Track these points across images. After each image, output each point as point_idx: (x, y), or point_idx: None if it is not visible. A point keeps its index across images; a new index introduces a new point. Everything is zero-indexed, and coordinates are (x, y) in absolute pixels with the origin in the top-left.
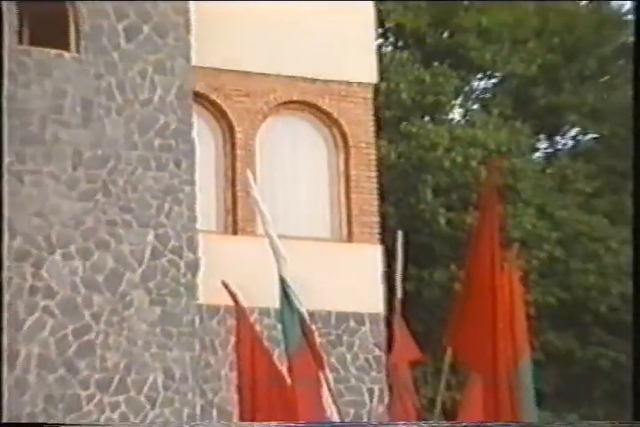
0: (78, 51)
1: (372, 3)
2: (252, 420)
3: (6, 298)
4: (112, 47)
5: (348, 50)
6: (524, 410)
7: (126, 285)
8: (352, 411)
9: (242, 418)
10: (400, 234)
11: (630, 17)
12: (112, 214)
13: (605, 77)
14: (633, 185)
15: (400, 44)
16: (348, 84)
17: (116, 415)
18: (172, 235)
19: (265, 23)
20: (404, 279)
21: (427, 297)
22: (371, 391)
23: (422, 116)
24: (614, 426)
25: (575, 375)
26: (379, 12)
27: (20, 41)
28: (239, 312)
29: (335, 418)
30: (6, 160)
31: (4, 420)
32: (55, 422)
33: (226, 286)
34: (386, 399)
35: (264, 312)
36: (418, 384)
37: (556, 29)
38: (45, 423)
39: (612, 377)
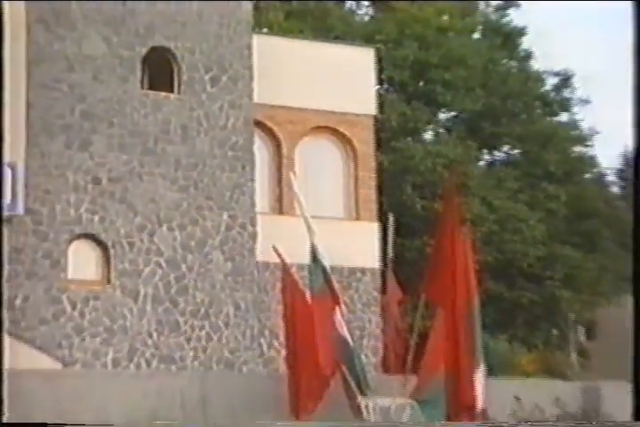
0: (179, 93)
1: (373, 63)
2: (294, 334)
3: (129, 256)
4: (201, 90)
5: (358, 92)
6: (474, 333)
7: (209, 248)
8: (357, 333)
9: (287, 333)
10: (391, 216)
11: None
12: (200, 201)
13: (526, 115)
14: (633, 194)
15: (391, 89)
16: (357, 115)
17: (202, 333)
18: (239, 215)
19: (301, 73)
20: (393, 245)
21: (408, 257)
22: (370, 320)
23: (405, 137)
24: (614, 426)
25: (504, 310)
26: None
27: (142, 86)
28: (284, 267)
29: (346, 334)
30: (131, 165)
31: (4, 420)
32: (56, 422)
33: (275, 249)
34: (380, 325)
35: (300, 267)
36: (402, 315)
37: (495, 82)
38: (46, 423)
39: (529, 311)
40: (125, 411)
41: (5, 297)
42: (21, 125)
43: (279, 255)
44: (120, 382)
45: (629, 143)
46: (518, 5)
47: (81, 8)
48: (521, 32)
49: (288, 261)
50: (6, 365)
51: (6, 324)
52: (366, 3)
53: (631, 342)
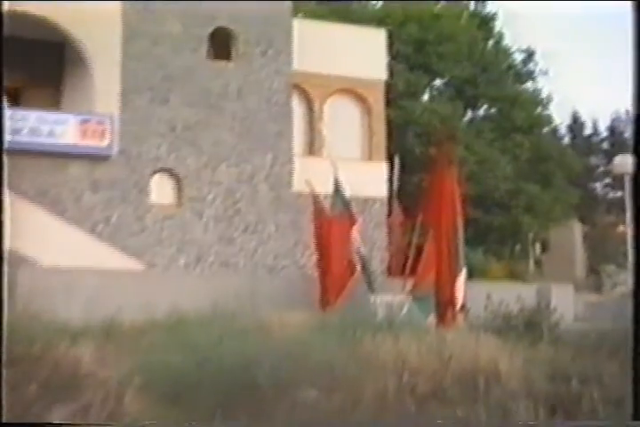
0: (236, 62)
1: (384, 41)
2: (321, 247)
3: (196, 186)
4: (253, 60)
5: (372, 63)
6: (457, 247)
7: (256, 180)
8: (369, 246)
9: (316, 246)
10: (396, 157)
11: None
12: (250, 145)
13: (500, 82)
14: (632, 186)
15: (397, 60)
16: (372, 80)
17: (251, 245)
18: (280, 155)
19: (329, 48)
20: (397, 180)
21: (408, 190)
22: (378, 237)
23: (408, 98)
24: (613, 425)
25: (480, 230)
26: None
27: (208, 57)
28: (314, 196)
29: (361, 247)
30: (199, 116)
31: (4, 420)
32: (56, 422)
33: (308, 182)
34: (386, 241)
35: (326, 196)
36: (403, 234)
37: (476, 55)
38: (46, 423)
39: (499, 230)
40: (193, 302)
41: (99, 217)
42: (117, 86)
43: (310, 187)
44: (189, 281)
45: (577, 106)
46: None
47: None
48: (494, 17)
49: (317, 191)
50: (105, 266)
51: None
52: None
53: (631, 342)
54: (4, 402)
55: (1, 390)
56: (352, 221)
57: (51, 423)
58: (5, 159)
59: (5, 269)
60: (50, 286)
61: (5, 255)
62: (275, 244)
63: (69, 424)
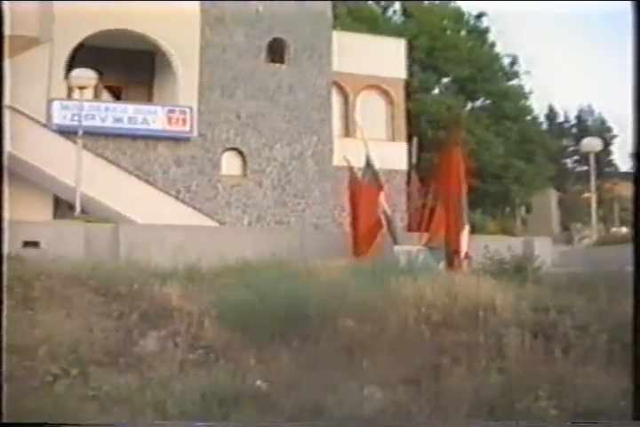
0: (288, 64)
1: (403, 48)
2: (354, 208)
3: (257, 161)
4: (300, 63)
5: (395, 65)
6: (462, 208)
7: (304, 156)
8: (392, 208)
9: (350, 208)
10: (415, 139)
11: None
12: (299, 128)
13: (493, 79)
14: (633, 187)
15: (413, 63)
16: (394, 78)
17: (300, 207)
18: (323, 137)
19: (360, 53)
20: (415, 156)
21: (423, 164)
22: (400, 200)
23: (422, 92)
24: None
25: (479, 195)
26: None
27: (266, 61)
28: (350, 168)
29: (386, 208)
30: (259, 107)
31: (5, 420)
32: (56, 422)
33: (345, 158)
34: (406, 203)
35: (359, 169)
36: (419, 198)
37: (474, 59)
38: (46, 423)
39: (493, 196)
40: (255, 252)
41: (182, 186)
42: (195, 84)
43: (347, 162)
44: (252, 236)
45: (553, 100)
46: (486, 14)
47: (231, 14)
48: (487, 29)
49: (352, 165)
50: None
51: (187, 201)
52: (398, 8)
53: (631, 343)
54: None
55: (1, 390)
56: (380, 189)
57: (51, 424)
58: (108, 142)
59: (5, 268)
60: (144, 240)
61: (5, 254)
62: (318, 207)
63: (69, 424)
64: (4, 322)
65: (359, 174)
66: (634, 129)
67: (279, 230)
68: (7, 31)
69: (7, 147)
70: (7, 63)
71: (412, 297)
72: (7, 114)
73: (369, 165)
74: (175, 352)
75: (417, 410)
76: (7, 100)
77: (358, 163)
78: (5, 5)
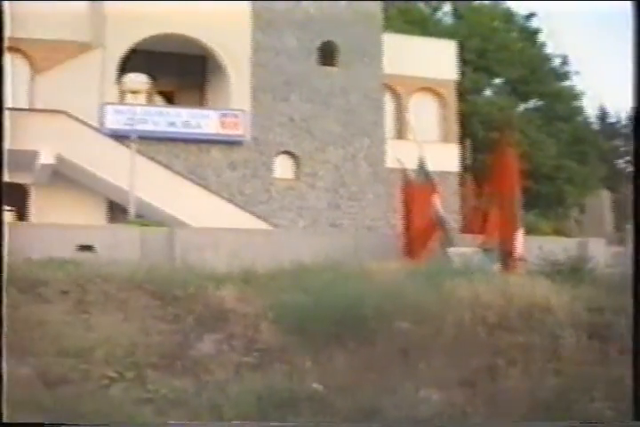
0: (340, 67)
1: (454, 50)
2: (408, 210)
3: (310, 164)
4: (352, 66)
5: (446, 66)
6: (516, 209)
7: (358, 158)
8: (447, 209)
9: (404, 210)
10: (468, 140)
11: None
12: (352, 131)
13: (544, 81)
14: (633, 184)
15: (465, 64)
16: (446, 80)
17: (354, 210)
18: (376, 139)
19: (412, 55)
20: (469, 158)
21: (477, 165)
22: (453, 202)
23: (473, 93)
24: (613, 426)
25: (533, 196)
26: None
27: (318, 63)
28: (403, 170)
29: (440, 210)
30: (312, 110)
31: (5, 420)
32: (56, 422)
33: (398, 160)
34: (459, 205)
35: (412, 171)
36: (473, 199)
37: (525, 60)
38: (46, 423)
39: (547, 197)
40: (310, 254)
41: (236, 189)
42: (247, 88)
43: (400, 163)
44: (306, 238)
45: (605, 101)
46: (536, 14)
47: (282, 17)
48: (538, 30)
49: (405, 167)
50: (232, 226)
51: (241, 205)
52: (448, 9)
53: (631, 343)
54: None
55: (1, 390)
56: (433, 190)
57: (51, 424)
58: (161, 146)
59: (5, 268)
60: (199, 244)
61: (5, 254)
62: (372, 209)
63: (69, 424)
64: (4, 322)
65: (412, 176)
66: (634, 129)
67: (333, 233)
68: (53, 35)
69: (6, 145)
70: (60, 68)
71: (467, 299)
72: (61, 118)
73: (422, 166)
74: (231, 355)
75: (473, 412)
76: (8, 102)
77: (411, 164)
78: (5, 5)
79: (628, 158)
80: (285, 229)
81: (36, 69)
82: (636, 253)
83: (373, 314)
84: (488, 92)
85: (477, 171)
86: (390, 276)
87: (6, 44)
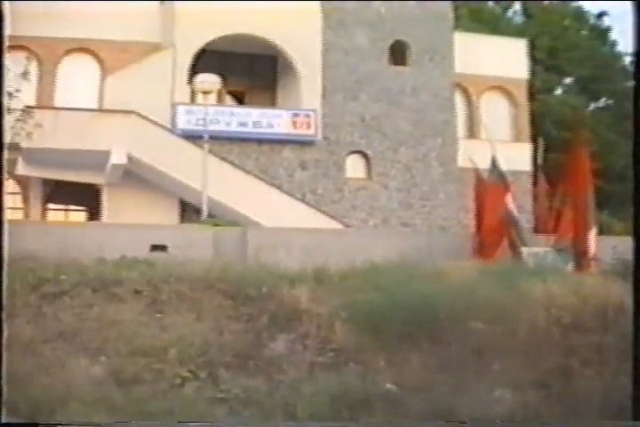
0: (410, 66)
1: (525, 49)
2: (480, 210)
3: (382, 163)
4: (423, 65)
5: (517, 65)
6: (589, 209)
7: (429, 158)
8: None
9: (476, 209)
10: (540, 139)
11: None
12: (423, 131)
13: (614, 79)
14: (633, 187)
15: (536, 64)
16: (517, 79)
17: (426, 209)
18: (447, 139)
19: (484, 55)
20: (541, 157)
21: (549, 164)
22: (526, 202)
23: (545, 92)
24: (614, 426)
25: (605, 196)
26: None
27: (389, 63)
28: (475, 170)
29: (513, 210)
30: (383, 109)
31: (4, 420)
32: (55, 422)
33: (471, 159)
34: (532, 205)
35: (484, 170)
36: (546, 199)
37: (595, 59)
38: (45, 423)
39: (619, 197)
40: (382, 254)
41: (307, 189)
42: (318, 88)
43: (473, 163)
44: (378, 238)
45: None
46: (607, 13)
47: (352, 17)
48: (608, 28)
49: (477, 166)
50: (306, 225)
51: (312, 204)
52: (518, 8)
53: (631, 344)
54: None
55: (1, 390)
56: (506, 190)
57: (51, 424)
58: (233, 146)
59: (5, 269)
60: (272, 243)
61: (5, 255)
62: (443, 208)
63: (63, 424)
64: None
65: (485, 176)
66: (634, 129)
67: (405, 233)
68: (123, 36)
69: (6, 139)
70: (130, 69)
71: (541, 298)
72: (133, 119)
73: (495, 165)
74: (304, 355)
75: (547, 412)
76: (5, 100)
77: (483, 164)
78: (5, 5)
79: None
80: (357, 228)
81: (105, 70)
82: (637, 253)
83: (447, 314)
84: (559, 92)
85: (550, 170)
86: (463, 275)
87: (6, 43)
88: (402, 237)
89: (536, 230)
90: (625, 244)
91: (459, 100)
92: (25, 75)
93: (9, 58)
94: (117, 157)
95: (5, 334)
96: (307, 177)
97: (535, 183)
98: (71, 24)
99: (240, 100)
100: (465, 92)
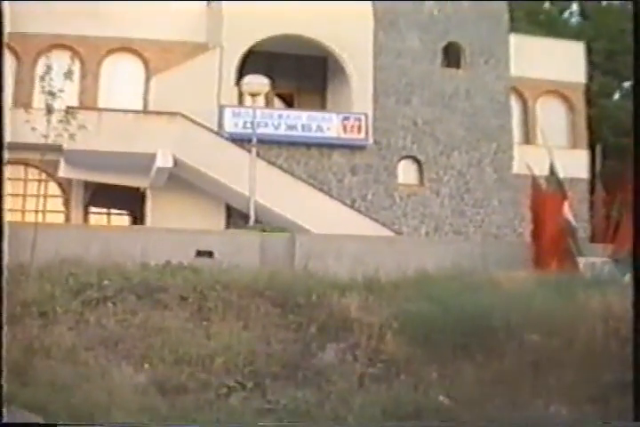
0: (464, 69)
1: (582, 51)
2: (537, 218)
3: (434, 169)
4: (478, 67)
5: (574, 69)
6: None
7: (483, 164)
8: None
9: (533, 217)
10: (598, 146)
11: None
12: (477, 135)
13: None
14: (633, 187)
15: (593, 67)
16: (574, 83)
17: (479, 217)
18: (502, 144)
19: (541, 57)
20: (599, 164)
21: (607, 172)
22: (582, 211)
23: (603, 97)
24: (614, 426)
25: None
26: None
27: (442, 65)
28: (532, 177)
29: (570, 218)
30: (435, 114)
31: (4, 420)
32: (55, 422)
33: (527, 165)
34: (589, 214)
35: (541, 177)
36: (604, 209)
37: None
38: (45, 424)
39: None
40: (434, 263)
41: (357, 195)
42: (369, 91)
43: (529, 169)
44: (431, 246)
45: None
46: None
47: (404, 18)
48: None
49: (534, 173)
50: (350, 232)
51: (362, 211)
52: (575, 9)
53: (631, 344)
54: None
55: (1, 390)
56: (564, 198)
57: (51, 424)
58: (281, 150)
59: (5, 273)
60: (321, 250)
61: (5, 257)
62: (498, 216)
63: (61, 424)
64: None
65: (542, 183)
66: (634, 129)
67: (458, 241)
68: (168, 36)
69: (6, 138)
70: (176, 70)
71: (599, 310)
72: (178, 121)
73: (553, 172)
74: (355, 366)
75: None
76: (9, 101)
77: (539, 170)
78: (5, 5)
79: None
80: (409, 236)
81: (150, 71)
82: (636, 254)
83: (502, 325)
84: (617, 97)
85: (607, 178)
86: (519, 286)
87: (5, 40)
88: (454, 245)
89: (593, 240)
90: None
91: (514, 104)
92: (68, 74)
93: (53, 57)
94: (163, 160)
95: (47, 341)
96: (357, 182)
97: (592, 191)
98: (115, 23)
99: (288, 102)
100: (520, 96)
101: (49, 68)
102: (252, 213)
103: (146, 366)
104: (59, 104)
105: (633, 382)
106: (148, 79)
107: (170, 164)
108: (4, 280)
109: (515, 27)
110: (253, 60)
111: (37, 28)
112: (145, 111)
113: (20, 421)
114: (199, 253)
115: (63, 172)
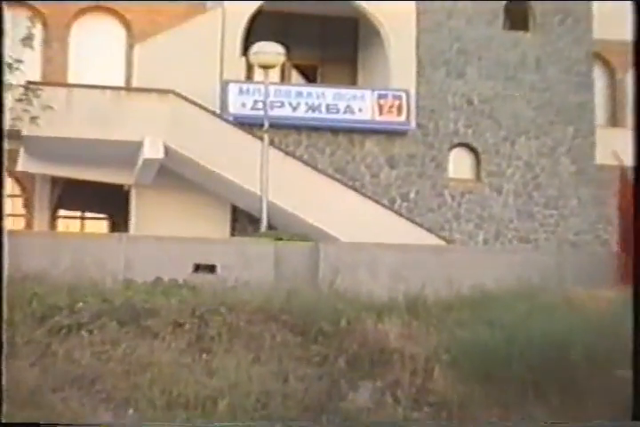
0: (533, 32)
1: None
2: (628, 222)
3: (495, 160)
4: (551, 30)
5: None
6: None
7: (557, 153)
8: None
9: (621, 221)
10: None
11: None
12: (550, 117)
13: None
14: (633, 187)
15: None
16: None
17: (552, 220)
18: (582, 127)
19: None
20: None
21: None
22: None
23: None
24: (613, 426)
25: None
26: None
27: (503, 28)
28: (621, 169)
29: None
30: (496, 89)
31: (4, 420)
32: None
33: (615, 154)
34: None
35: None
36: None
37: None
38: (45, 424)
39: None
40: (495, 277)
41: (397, 193)
42: (412, 60)
43: (618, 159)
44: (490, 257)
45: None
46: None
47: None
48: None
49: (624, 163)
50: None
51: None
52: None
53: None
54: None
55: (1, 390)
56: None
57: (51, 424)
58: (301, 137)
59: (5, 274)
60: (352, 263)
61: (5, 260)
62: (576, 219)
63: (62, 424)
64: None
65: (634, 176)
66: (634, 129)
67: (526, 250)
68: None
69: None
70: (169, 35)
71: None
72: (170, 100)
73: None
74: (396, 409)
75: None
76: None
77: (630, 161)
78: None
79: None
80: (462, 244)
81: (134, 37)
82: (636, 255)
83: (584, 357)
84: None
85: None
86: (604, 307)
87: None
88: (521, 255)
89: None
90: None
91: (598, 75)
92: (27, 40)
93: (7, 19)
94: (151, 150)
95: (3, 378)
96: (396, 177)
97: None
98: None
99: (309, 77)
100: (607, 65)
101: (1, 31)
102: (264, 217)
103: (130, 411)
104: (16, 79)
105: (633, 382)
106: (130, 47)
107: (160, 154)
108: (3, 283)
109: None
110: (265, 23)
111: None
112: (127, 88)
113: None
114: (198, 268)
115: (23, 165)
